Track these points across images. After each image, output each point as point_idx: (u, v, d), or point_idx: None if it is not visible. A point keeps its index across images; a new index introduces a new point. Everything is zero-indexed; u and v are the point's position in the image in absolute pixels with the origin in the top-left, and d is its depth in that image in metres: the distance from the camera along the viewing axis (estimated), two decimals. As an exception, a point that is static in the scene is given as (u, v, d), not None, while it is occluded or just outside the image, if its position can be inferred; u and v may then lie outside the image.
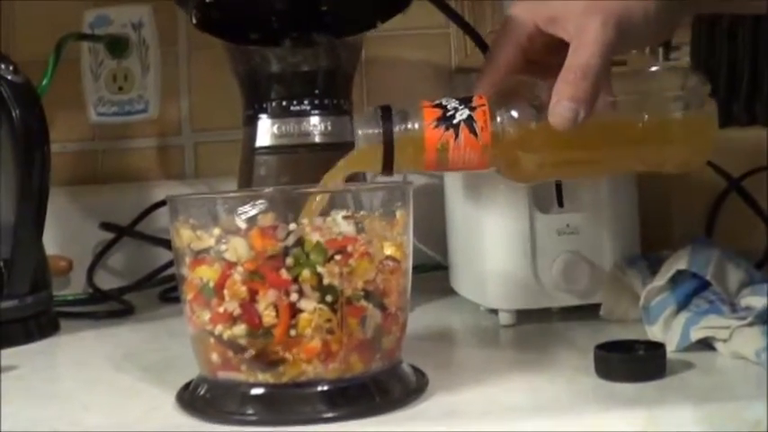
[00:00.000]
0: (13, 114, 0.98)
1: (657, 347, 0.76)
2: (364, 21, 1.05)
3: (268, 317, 0.67)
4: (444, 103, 0.76)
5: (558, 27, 0.76)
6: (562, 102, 0.72)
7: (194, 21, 0.96)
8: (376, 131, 0.76)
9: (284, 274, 0.66)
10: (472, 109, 0.75)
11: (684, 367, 0.76)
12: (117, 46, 1.43)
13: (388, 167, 0.76)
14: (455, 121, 0.74)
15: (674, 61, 1.19)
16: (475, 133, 0.74)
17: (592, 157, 0.78)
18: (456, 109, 0.75)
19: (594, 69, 0.72)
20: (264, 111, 1.04)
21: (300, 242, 0.67)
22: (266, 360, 0.68)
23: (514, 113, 0.75)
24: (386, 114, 0.75)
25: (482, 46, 0.98)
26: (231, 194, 0.74)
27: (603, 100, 0.76)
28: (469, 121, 0.74)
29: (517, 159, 0.77)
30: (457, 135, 0.74)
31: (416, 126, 0.75)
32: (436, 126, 0.74)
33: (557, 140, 0.75)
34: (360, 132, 0.76)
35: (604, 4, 0.74)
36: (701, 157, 0.79)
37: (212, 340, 0.69)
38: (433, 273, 1.21)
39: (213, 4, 0.92)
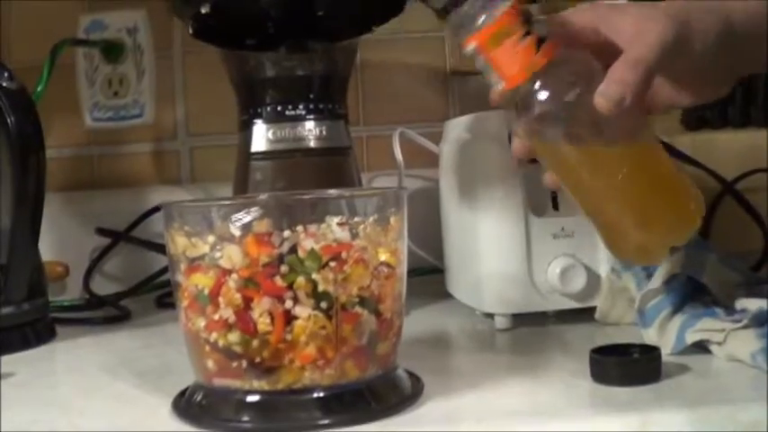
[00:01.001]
0: (9, 121, 0.98)
1: (652, 351, 0.76)
2: (359, 25, 1.05)
3: (263, 324, 0.67)
4: (533, 14, 0.75)
5: (615, 31, 0.76)
6: (611, 84, 0.73)
7: (191, 31, 0.96)
8: None
9: (279, 281, 0.66)
10: (550, 35, 0.75)
11: (680, 370, 0.76)
12: (112, 51, 1.43)
13: (450, 7, 0.75)
14: (532, 27, 0.74)
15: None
16: (537, 48, 0.74)
17: (589, 159, 0.77)
18: (539, 23, 0.75)
19: (647, 63, 0.73)
20: (259, 116, 1.04)
21: (295, 249, 0.67)
22: (262, 367, 0.68)
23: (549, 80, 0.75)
24: None
25: None
26: (226, 201, 0.74)
27: (648, 104, 0.78)
28: (542, 39, 0.74)
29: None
30: (524, 36, 0.74)
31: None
32: (517, 16, 0.74)
33: (573, 120, 0.75)
34: None
35: (667, 11, 0.75)
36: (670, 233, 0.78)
37: (208, 347, 0.69)
38: (429, 276, 1.21)
39: (210, 13, 0.92)
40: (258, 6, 0.97)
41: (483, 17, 0.74)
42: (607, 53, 0.75)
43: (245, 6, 0.96)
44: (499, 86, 0.76)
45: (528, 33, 0.74)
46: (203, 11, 0.92)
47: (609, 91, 0.72)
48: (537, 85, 0.74)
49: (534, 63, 0.74)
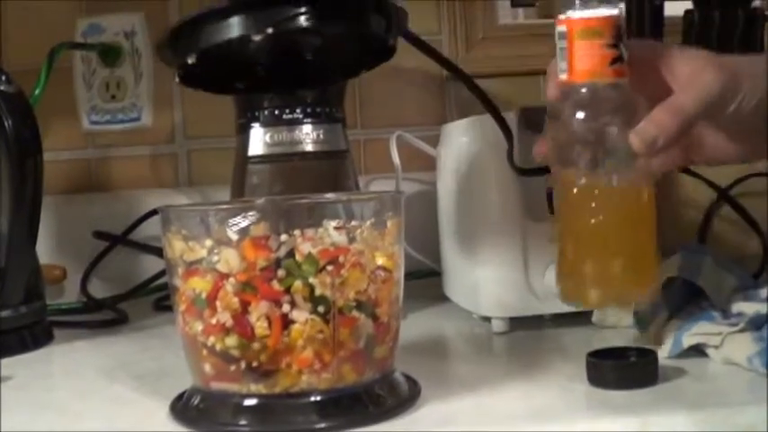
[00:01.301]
0: (6, 124, 0.98)
1: (649, 354, 0.76)
2: (348, 71, 1.06)
3: (260, 328, 0.67)
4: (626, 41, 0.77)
5: (673, 77, 0.79)
6: (649, 125, 0.75)
7: (178, 79, 0.97)
8: None
9: (276, 285, 0.67)
10: (628, 62, 0.76)
11: (676, 374, 0.76)
12: (110, 54, 1.43)
13: None
14: (620, 43, 0.76)
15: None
16: (615, 63, 0.75)
17: (594, 186, 0.78)
18: (626, 45, 0.76)
19: (688, 113, 0.75)
20: (257, 119, 1.04)
21: (292, 253, 0.67)
22: (259, 371, 0.68)
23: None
24: None
25: (473, 88, 0.97)
26: (223, 206, 0.74)
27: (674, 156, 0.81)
28: (621, 59, 0.76)
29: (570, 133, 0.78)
30: (609, 46, 0.75)
31: (613, 3, 0.76)
32: (614, 26, 0.75)
33: (599, 145, 0.77)
34: None
35: (722, 63, 0.77)
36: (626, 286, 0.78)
37: (205, 351, 0.69)
38: (426, 279, 1.21)
39: (196, 63, 0.93)
40: (246, 54, 0.97)
41: (587, 8, 0.76)
42: (656, 89, 0.78)
43: (233, 55, 0.96)
44: (562, 76, 0.77)
45: (614, 46, 0.75)
46: (190, 61, 0.92)
47: (645, 130, 0.75)
48: (583, 98, 0.76)
49: (603, 72, 0.75)
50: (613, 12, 0.76)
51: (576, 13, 0.76)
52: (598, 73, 0.75)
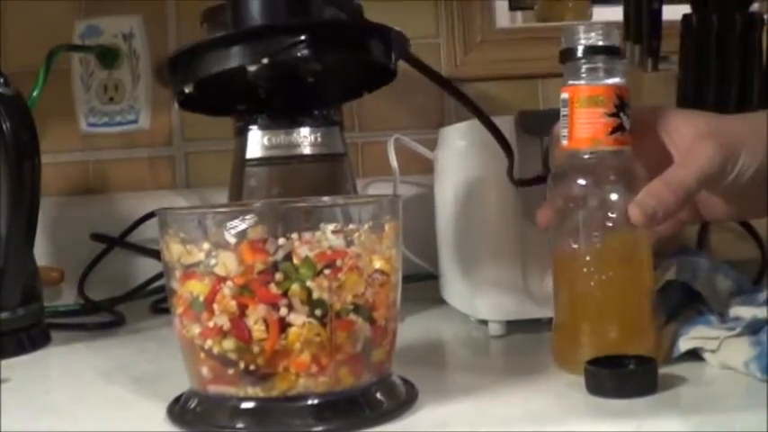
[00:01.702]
0: (4, 127, 0.98)
1: (648, 362, 0.75)
2: (350, 91, 1.06)
3: (258, 331, 0.67)
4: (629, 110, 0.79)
5: (672, 142, 0.80)
6: (648, 197, 0.76)
7: (176, 105, 0.97)
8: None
9: (274, 288, 0.67)
10: (629, 132, 0.78)
11: (674, 379, 0.76)
12: (108, 56, 1.43)
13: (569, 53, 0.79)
14: (622, 112, 0.77)
15: (664, 71, 1.20)
16: (615, 132, 0.77)
17: (588, 254, 0.80)
18: (630, 115, 0.78)
19: (688, 188, 0.77)
20: (254, 122, 1.04)
21: (290, 256, 0.67)
22: (256, 374, 0.68)
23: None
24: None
25: (478, 113, 0.97)
26: (221, 209, 0.74)
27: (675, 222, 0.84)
28: (622, 128, 0.77)
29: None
30: (610, 115, 0.77)
31: (618, 74, 0.78)
32: (615, 95, 0.77)
33: (597, 214, 0.79)
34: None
35: (724, 134, 0.78)
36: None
37: (203, 354, 0.69)
38: (424, 282, 1.21)
39: (194, 91, 0.94)
40: (244, 81, 0.97)
41: (591, 78, 0.78)
42: (656, 152, 0.80)
43: (232, 82, 0.96)
44: (564, 142, 0.79)
45: (615, 115, 0.77)
46: (187, 90, 0.92)
47: (644, 203, 0.76)
48: (582, 165, 0.78)
49: (602, 141, 0.77)
50: (616, 81, 0.78)
51: (579, 82, 0.78)
52: (597, 141, 0.77)
